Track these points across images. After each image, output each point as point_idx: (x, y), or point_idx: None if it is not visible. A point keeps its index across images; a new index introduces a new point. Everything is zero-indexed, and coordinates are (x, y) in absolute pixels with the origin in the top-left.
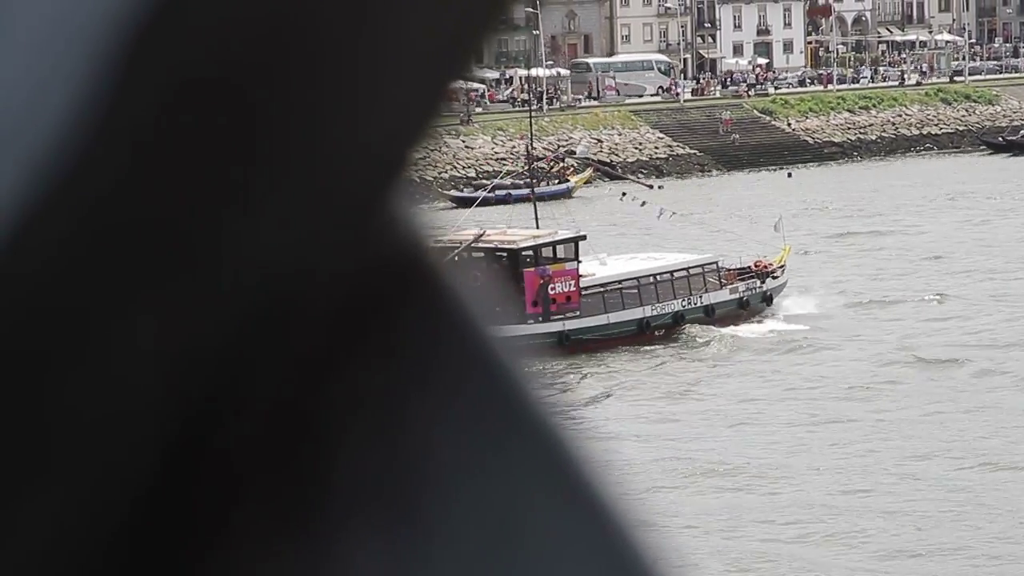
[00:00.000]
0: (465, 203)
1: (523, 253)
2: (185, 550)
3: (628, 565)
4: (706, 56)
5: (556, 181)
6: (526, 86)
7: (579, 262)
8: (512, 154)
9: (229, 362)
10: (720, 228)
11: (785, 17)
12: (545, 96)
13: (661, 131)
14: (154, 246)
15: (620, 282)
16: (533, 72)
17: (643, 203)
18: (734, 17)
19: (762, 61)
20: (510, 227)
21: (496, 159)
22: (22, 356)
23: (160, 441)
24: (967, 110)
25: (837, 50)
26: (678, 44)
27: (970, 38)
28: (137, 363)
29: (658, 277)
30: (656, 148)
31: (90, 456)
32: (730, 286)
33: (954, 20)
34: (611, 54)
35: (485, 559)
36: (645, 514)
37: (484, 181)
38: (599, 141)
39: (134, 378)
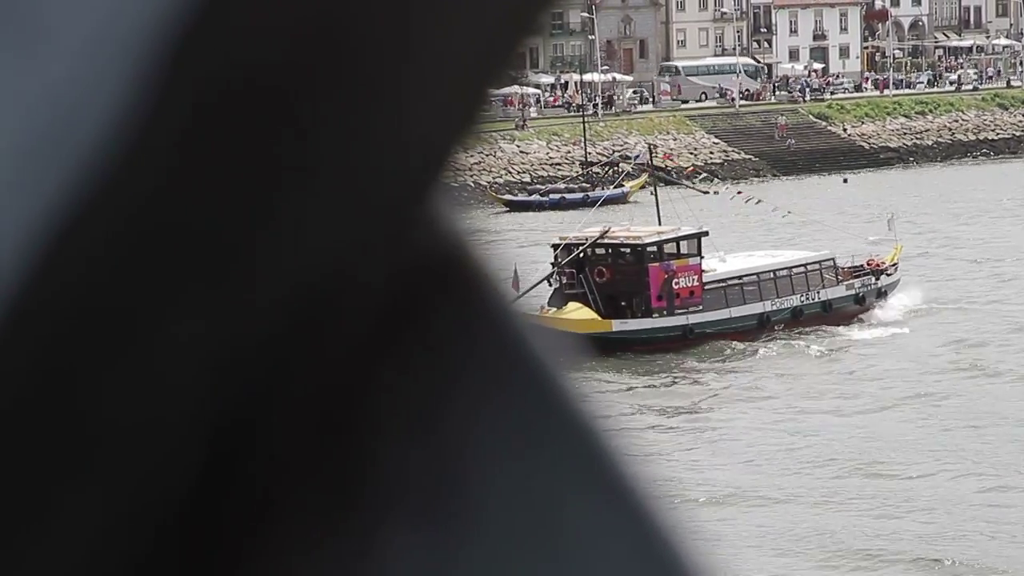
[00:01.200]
0: (519, 207)
1: (648, 249)
2: (225, 549)
3: (667, 564)
4: (762, 61)
5: (611, 186)
6: (581, 91)
7: (702, 258)
8: (567, 159)
9: (270, 362)
10: (817, 225)
11: (841, 22)
12: (600, 101)
13: (716, 136)
14: (196, 249)
15: (740, 278)
16: (588, 77)
17: (758, 201)
18: (790, 22)
19: (818, 66)
20: (633, 224)
21: (551, 164)
22: (66, 358)
23: (201, 442)
24: None
25: (893, 55)
26: (734, 49)
27: None
28: (180, 364)
29: (777, 273)
30: (711, 153)
31: (132, 458)
32: (846, 282)
33: (1011, 24)
34: (667, 59)
35: (522, 557)
36: (684, 513)
37: (539, 186)
38: (654, 146)
39: (176, 379)
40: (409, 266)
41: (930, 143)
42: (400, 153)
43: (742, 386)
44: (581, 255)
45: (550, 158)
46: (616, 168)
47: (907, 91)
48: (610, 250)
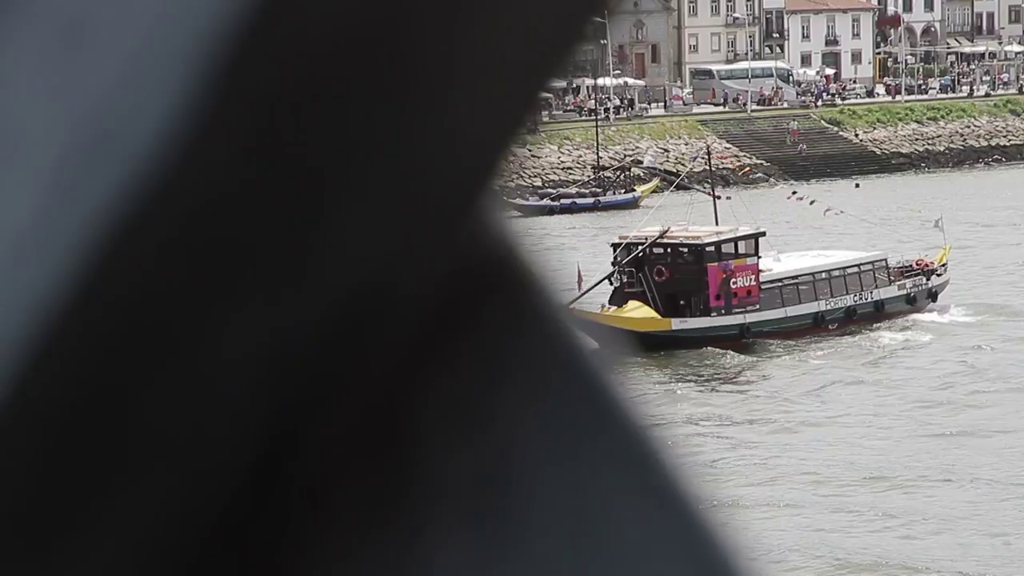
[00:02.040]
0: (530, 212)
1: (707, 248)
2: (272, 553)
3: (714, 568)
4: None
5: (623, 191)
6: (595, 95)
7: (759, 257)
8: (578, 163)
9: (319, 368)
10: (865, 225)
11: (854, 27)
12: (612, 105)
13: (728, 141)
14: (246, 257)
15: (796, 277)
16: (600, 82)
17: (812, 201)
18: (802, 27)
19: (830, 71)
20: (691, 223)
21: (562, 168)
22: (116, 367)
23: (251, 447)
24: None
25: (906, 61)
26: (746, 54)
27: None
28: (230, 372)
29: (831, 273)
30: (723, 158)
31: (182, 463)
32: (898, 283)
33: None
34: (679, 63)
35: (569, 557)
36: (730, 513)
37: (550, 190)
38: (665, 151)
39: (227, 387)
40: (457, 270)
41: (942, 149)
42: (449, 159)
43: (803, 387)
44: (640, 254)
45: (562, 162)
46: (627, 173)
47: (920, 96)
48: (669, 250)
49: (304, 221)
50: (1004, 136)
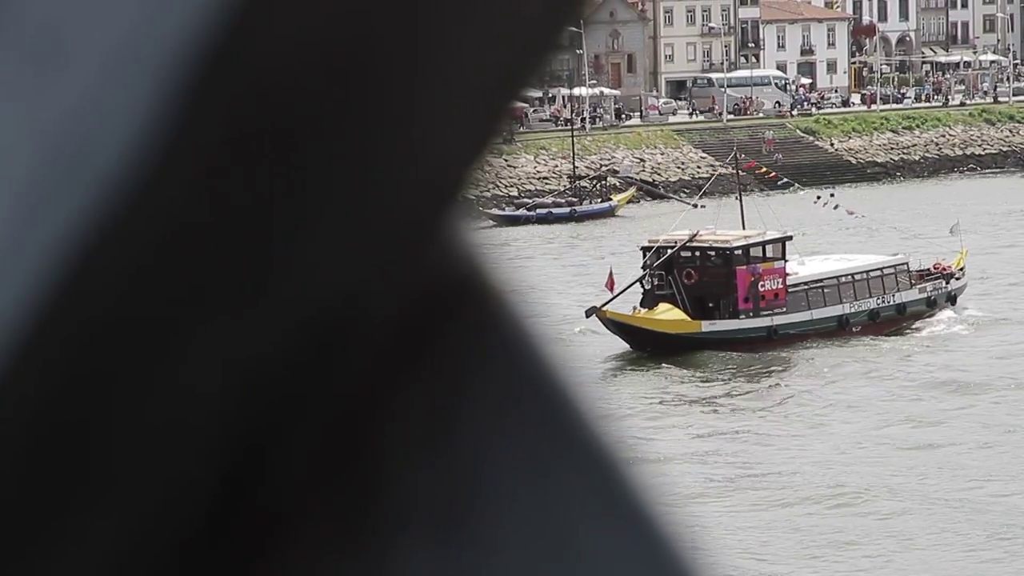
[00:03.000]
0: (506, 222)
1: (736, 252)
2: (238, 566)
3: None
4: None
5: (599, 200)
6: (569, 105)
7: (786, 261)
8: (554, 173)
9: (287, 383)
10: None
11: (829, 37)
12: (588, 115)
13: (704, 150)
14: (215, 273)
15: (821, 281)
16: (576, 91)
17: (836, 206)
18: (778, 37)
19: (806, 81)
20: (719, 228)
21: (539, 178)
22: (86, 379)
23: (218, 461)
24: (1011, 130)
25: (881, 70)
26: (721, 64)
27: (1015, 58)
28: (199, 383)
29: (855, 276)
30: (698, 167)
31: (152, 472)
32: (919, 286)
33: (999, 40)
34: (654, 73)
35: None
36: (696, 531)
37: (526, 200)
38: (642, 160)
39: (195, 397)
40: (424, 286)
41: (917, 158)
42: (414, 176)
43: (833, 387)
44: (669, 258)
45: (538, 172)
46: (603, 182)
47: (895, 106)
48: (698, 253)
49: (270, 239)
50: (979, 145)
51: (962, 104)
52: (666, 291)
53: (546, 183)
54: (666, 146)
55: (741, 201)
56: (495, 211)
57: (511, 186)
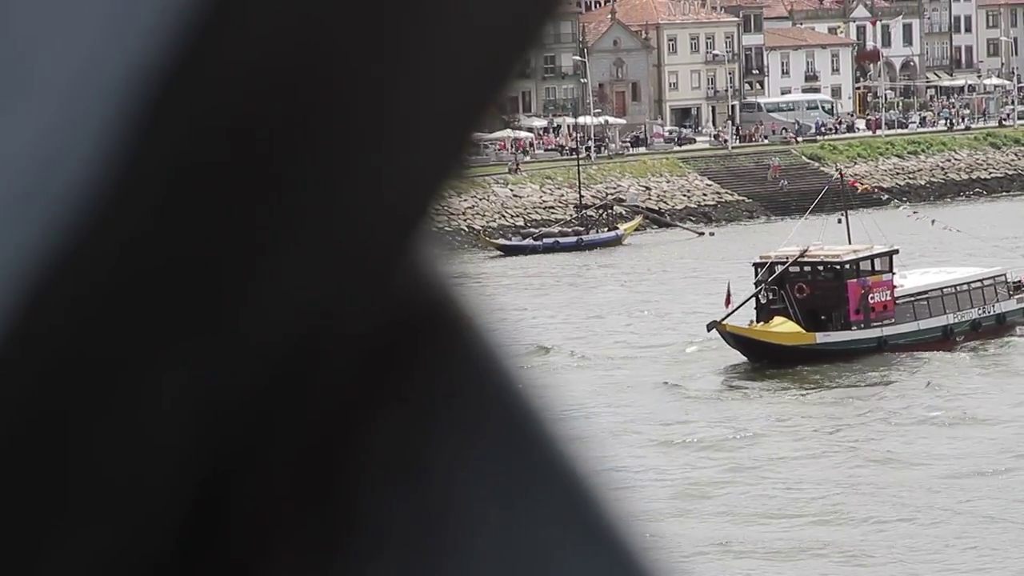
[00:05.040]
0: (512, 251)
1: (846, 266)
2: None
3: None
4: (755, 102)
5: (606, 229)
6: (574, 134)
7: (893, 274)
8: (560, 202)
9: (253, 413)
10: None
11: (833, 63)
12: (593, 144)
13: (710, 178)
14: (177, 300)
15: (926, 292)
16: (581, 120)
17: (933, 220)
18: (782, 63)
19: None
20: (824, 243)
21: (544, 207)
22: (46, 411)
23: (184, 493)
24: (1016, 154)
25: (886, 95)
26: (726, 91)
27: (1019, 82)
28: (162, 416)
29: (958, 288)
30: (704, 195)
31: (114, 510)
32: (1017, 296)
33: (1003, 64)
34: (659, 101)
35: None
36: (667, 556)
37: (533, 229)
38: (647, 188)
39: (159, 431)
40: (393, 314)
41: (923, 183)
42: (382, 202)
43: (951, 394)
44: (781, 273)
45: (543, 201)
46: (610, 211)
47: (900, 131)
48: (808, 268)
49: (235, 262)
50: (984, 169)
51: (967, 128)
52: (779, 305)
53: (552, 212)
54: (671, 174)
55: (847, 216)
56: (501, 241)
57: (517, 216)
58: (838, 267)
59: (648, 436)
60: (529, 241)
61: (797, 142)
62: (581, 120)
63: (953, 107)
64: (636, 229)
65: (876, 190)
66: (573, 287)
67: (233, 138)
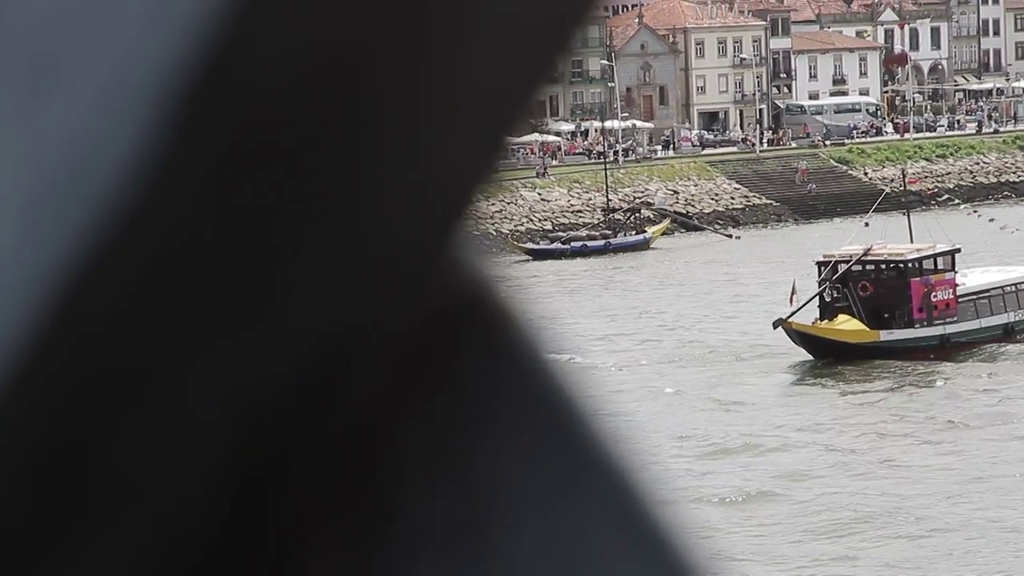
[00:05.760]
0: (540, 255)
1: (910, 265)
2: None
3: None
4: (782, 106)
5: (633, 232)
6: (601, 138)
7: (955, 272)
8: (588, 206)
9: (294, 409)
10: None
11: (861, 67)
12: (620, 148)
13: (737, 182)
14: (215, 297)
15: (988, 291)
16: (609, 124)
17: (991, 219)
18: (810, 67)
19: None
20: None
21: (572, 211)
22: (83, 409)
23: (226, 489)
24: None
25: (914, 99)
26: (753, 95)
27: None
28: (201, 414)
29: (1019, 286)
30: (732, 199)
31: (159, 492)
32: None
33: None
34: (686, 105)
35: None
36: (706, 547)
37: (560, 233)
38: (675, 192)
39: (199, 429)
40: (432, 311)
41: (951, 186)
42: (420, 199)
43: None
44: (845, 272)
45: (571, 205)
46: (637, 214)
47: (928, 134)
48: (872, 266)
49: (272, 261)
50: (1013, 172)
51: (995, 131)
52: (843, 303)
53: (580, 216)
54: (699, 177)
55: (909, 217)
56: (529, 245)
57: (545, 220)
58: (901, 266)
59: (719, 434)
60: (557, 245)
61: (825, 145)
62: (608, 124)
63: (982, 110)
64: (664, 232)
65: (936, 190)
66: (606, 289)
67: (269, 134)
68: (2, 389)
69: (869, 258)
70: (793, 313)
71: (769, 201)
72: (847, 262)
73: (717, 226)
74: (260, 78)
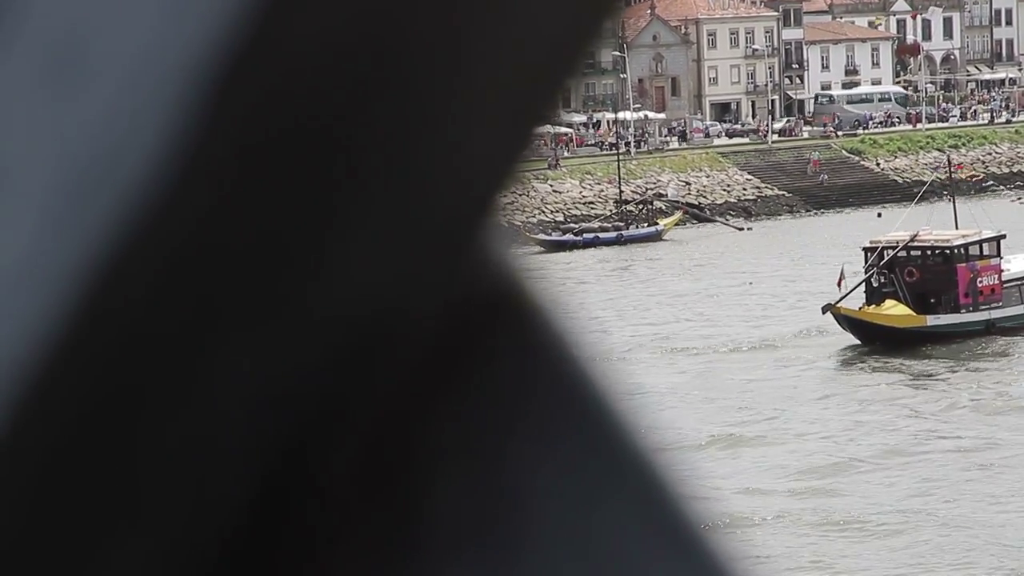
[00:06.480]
0: (552, 247)
1: (957, 250)
2: None
3: None
4: (794, 97)
5: (645, 224)
6: (614, 129)
7: (1000, 258)
8: (600, 198)
9: (322, 399)
10: None
11: (873, 57)
12: (633, 139)
13: (749, 173)
14: (245, 284)
15: None
16: (621, 115)
17: None
18: (822, 57)
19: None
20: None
21: (584, 203)
22: (116, 392)
23: (254, 479)
24: None
25: (926, 89)
26: (766, 85)
27: None
28: (231, 400)
29: None
30: (744, 190)
31: (185, 488)
32: None
33: None
34: (698, 96)
35: None
36: (745, 550)
37: (572, 225)
38: (687, 184)
39: (227, 416)
40: (462, 301)
41: (964, 176)
42: (451, 186)
43: None
44: (892, 258)
45: (583, 197)
46: (650, 206)
47: (940, 124)
48: (918, 252)
49: (303, 247)
50: None
51: (1008, 122)
52: (889, 288)
53: (592, 208)
54: (711, 168)
55: (955, 203)
56: (541, 236)
57: (557, 211)
58: (948, 252)
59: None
60: (569, 236)
61: (837, 136)
62: (621, 115)
63: (994, 100)
64: (676, 224)
65: (982, 177)
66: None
67: (298, 121)
68: (28, 387)
69: (916, 244)
70: (842, 298)
71: (781, 192)
72: (894, 248)
73: (729, 217)
74: (289, 63)
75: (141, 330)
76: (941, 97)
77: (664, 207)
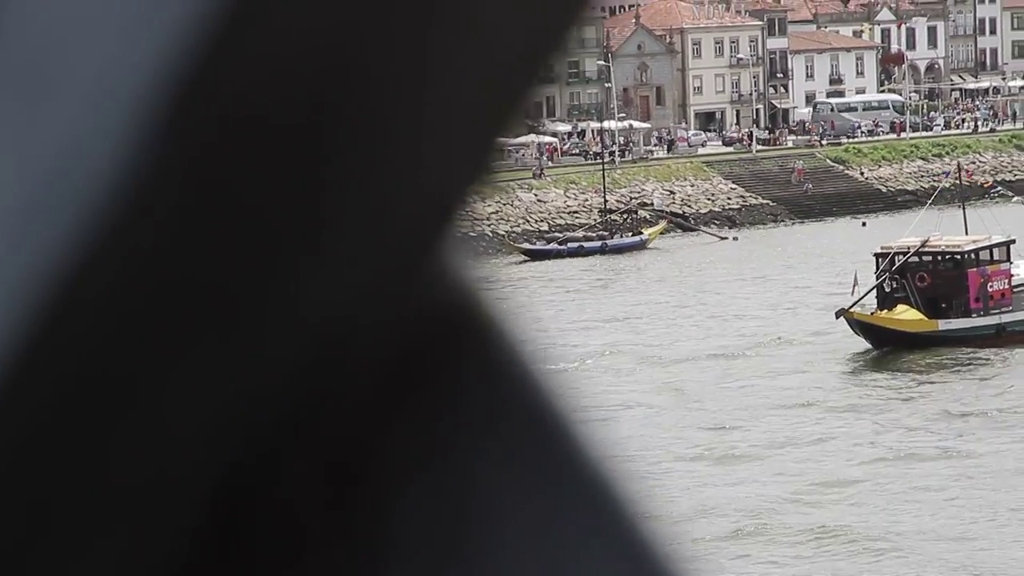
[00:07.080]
0: (537, 256)
1: (967, 256)
2: None
3: None
4: (779, 106)
5: (630, 233)
6: (598, 139)
7: (1010, 263)
8: (584, 207)
9: (279, 415)
10: None
11: (858, 66)
12: (617, 148)
13: (733, 181)
14: (203, 301)
15: None
16: (606, 125)
17: None
18: (806, 67)
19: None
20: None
21: (569, 212)
22: (70, 413)
23: (209, 495)
24: None
25: (910, 98)
26: (750, 94)
27: None
28: (186, 418)
29: None
30: (729, 199)
31: (136, 513)
32: None
33: None
34: (683, 105)
35: None
36: (688, 555)
37: (557, 234)
38: (672, 192)
39: (182, 434)
40: (421, 317)
41: (948, 185)
42: (411, 201)
43: None
44: (903, 263)
45: (568, 206)
46: (634, 215)
47: (924, 133)
48: (929, 258)
49: (262, 263)
50: (1009, 171)
51: (992, 130)
52: (900, 293)
53: (576, 217)
54: (696, 178)
55: (964, 210)
56: (526, 245)
57: (541, 220)
58: (958, 257)
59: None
60: (554, 246)
61: (821, 145)
62: (606, 124)
63: (979, 109)
64: (661, 233)
65: (992, 183)
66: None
67: (258, 137)
68: None
69: (927, 250)
70: (855, 303)
71: (765, 201)
72: (905, 254)
73: (714, 226)
74: (250, 77)
75: (104, 339)
76: (925, 106)
77: (648, 216)
